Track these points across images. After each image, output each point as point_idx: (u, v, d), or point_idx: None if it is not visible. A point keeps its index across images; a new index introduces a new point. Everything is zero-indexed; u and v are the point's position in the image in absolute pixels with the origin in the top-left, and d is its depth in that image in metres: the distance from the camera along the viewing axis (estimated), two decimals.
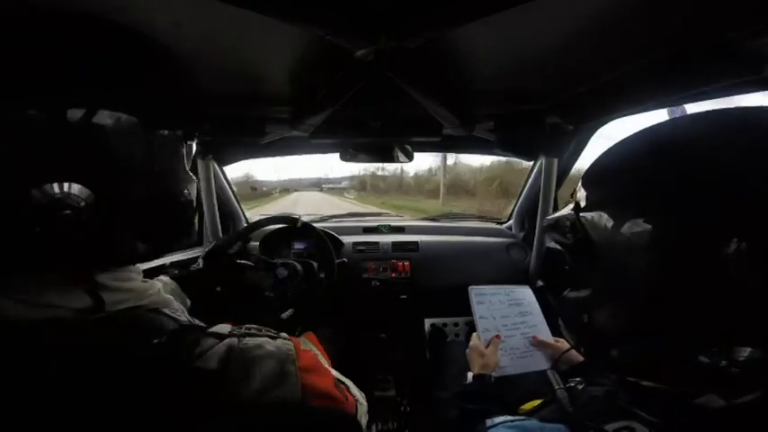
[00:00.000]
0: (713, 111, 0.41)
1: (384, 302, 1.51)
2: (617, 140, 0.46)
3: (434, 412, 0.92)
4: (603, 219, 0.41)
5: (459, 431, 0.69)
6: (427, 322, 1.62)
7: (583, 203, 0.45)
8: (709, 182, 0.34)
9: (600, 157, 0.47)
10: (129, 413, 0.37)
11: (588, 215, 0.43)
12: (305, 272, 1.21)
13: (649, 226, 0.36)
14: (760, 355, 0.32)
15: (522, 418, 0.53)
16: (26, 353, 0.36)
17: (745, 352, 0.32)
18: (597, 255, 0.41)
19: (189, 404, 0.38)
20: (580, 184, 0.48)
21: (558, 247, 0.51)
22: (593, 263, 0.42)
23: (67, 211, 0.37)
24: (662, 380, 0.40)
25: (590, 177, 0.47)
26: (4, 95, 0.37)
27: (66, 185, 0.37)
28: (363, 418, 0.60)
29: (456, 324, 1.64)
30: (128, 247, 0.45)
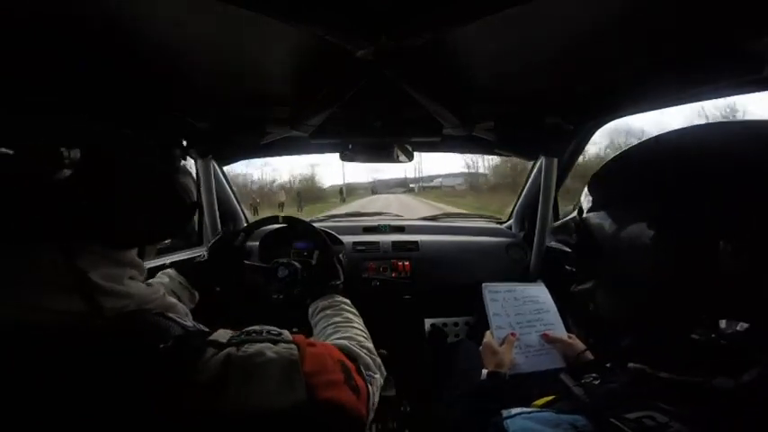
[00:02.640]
0: (715, 123, 0.52)
1: (384, 302, 1.51)
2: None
3: (440, 409, 0.91)
4: (604, 217, 0.47)
5: (470, 426, 0.68)
6: (427, 322, 1.61)
7: (586, 206, 0.51)
8: (704, 187, 0.39)
9: (605, 165, 0.53)
10: (128, 419, 0.36)
11: (591, 216, 0.49)
12: (305, 272, 1.21)
13: (649, 224, 0.41)
14: (743, 328, 0.37)
15: (538, 410, 0.52)
16: (11, 358, 0.35)
17: (732, 325, 0.37)
18: (599, 250, 0.47)
19: (187, 412, 0.38)
20: (585, 189, 0.53)
21: (565, 247, 0.57)
22: (595, 258, 0.48)
23: (60, 176, 0.37)
24: (674, 369, 0.43)
25: (594, 182, 0.53)
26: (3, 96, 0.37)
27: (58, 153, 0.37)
28: (375, 396, 0.57)
29: (456, 324, 1.64)
30: (121, 225, 0.44)
